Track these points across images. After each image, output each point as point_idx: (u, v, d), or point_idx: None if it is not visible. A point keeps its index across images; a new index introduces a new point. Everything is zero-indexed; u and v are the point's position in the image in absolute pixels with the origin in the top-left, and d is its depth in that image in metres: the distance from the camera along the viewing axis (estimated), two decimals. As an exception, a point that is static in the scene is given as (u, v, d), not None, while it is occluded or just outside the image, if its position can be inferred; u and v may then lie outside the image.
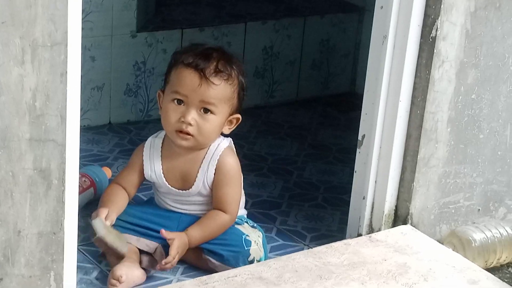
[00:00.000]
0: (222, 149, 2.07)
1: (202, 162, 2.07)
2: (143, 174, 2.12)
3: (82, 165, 2.10)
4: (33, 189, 1.64)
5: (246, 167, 2.56)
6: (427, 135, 2.15)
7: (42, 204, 1.65)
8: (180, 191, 2.09)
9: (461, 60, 2.13)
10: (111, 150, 2.70)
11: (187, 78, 2.01)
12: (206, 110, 2.01)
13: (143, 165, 2.11)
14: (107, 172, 2.43)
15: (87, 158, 2.59)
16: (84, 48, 2.63)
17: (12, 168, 1.61)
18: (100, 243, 2.00)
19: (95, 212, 2.03)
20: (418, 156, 2.16)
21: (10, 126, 1.58)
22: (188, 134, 2.02)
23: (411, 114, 2.15)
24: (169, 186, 2.09)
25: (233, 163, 2.08)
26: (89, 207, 2.33)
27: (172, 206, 2.12)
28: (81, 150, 1.72)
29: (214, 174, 2.06)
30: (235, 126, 2.09)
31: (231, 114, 2.06)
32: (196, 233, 2.05)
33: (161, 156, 2.10)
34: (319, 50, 3.21)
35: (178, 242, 2.00)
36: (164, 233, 2.00)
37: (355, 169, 2.22)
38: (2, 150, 1.59)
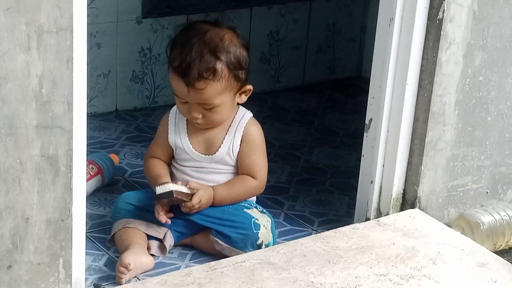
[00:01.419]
0: (247, 118, 2.12)
1: (228, 130, 2.10)
2: (170, 147, 2.15)
3: (89, 152, 2.10)
4: (41, 176, 1.64)
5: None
6: (435, 118, 2.14)
7: (50, 191, 1.65)
8: (204, 155, 2.10)
9: (468, 42, 2.12)
10: (118, 137, 2.70)
11: (177, 86, 2.05)
12: (207, 107, 2.04)
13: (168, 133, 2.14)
14: (114, 159, 2.43)
15: (94, 145, 2.59)
16: (89, 35, 2.63)
17: (19, 155, 1.60)
18: (169, 201, 2.02)
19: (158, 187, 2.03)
20: (426, 139, 2.15)
21: (17, 113, 1.58)
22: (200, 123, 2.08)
23: (419, 97, 2.14)
24: (193, 149, 2.10)
25: (259, 132, 2.13)
26: (96, 194, 2.33)
27: (190, 177, 2.11)
28: (88, 137, 1.72)
29: (241, 143, 2.09)
30: (249, 94, 2.11)
31: (238, 91, 2.07)
32: (223, 190, 2.08)
33: (186, 121, 2.12)
34: (325, 34, 3.20)
35: (203, 192, 2.04)
36: (190, 183, 2.04)
37: (362, 153, 2.21)
38: (10, 137, 1.59)
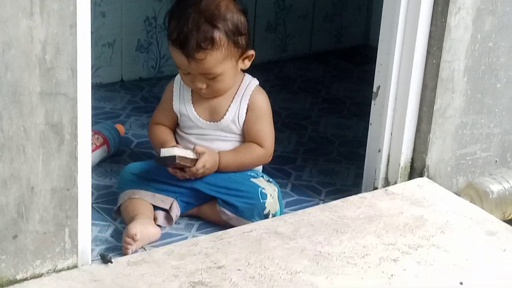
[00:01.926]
0: (253, 86, 2.10)
1: (234, 97, 2.09)
2: (175, 114, 2.13)
3: (94, 123, 2.08)
4: (45, 144, 1.62)
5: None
6: (444, 84, 2.11)
7: (55, 159, 1.63)
8: (209, 122, 2.09)
9: (478, 6, 2.08)
10: (124, 107, 2.68)
11: (178, 58, 2.03)
12: (210, 76, 2.02)
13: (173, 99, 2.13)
14: (120, 129, 2.41)
15: (99, 116, 2.57)
16: (94, 3, 2.60)
17: (23, 123, 1.58)
18: (172, 162, 2.01)
19: (163, 149, 2.03)
20: (434, 107, 2.13)
21: (20, 79, 1.56)
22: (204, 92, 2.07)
23: (427, 64, 2.11)
24: (198, 116, 2.09)
25: (265, 100, 2.12)
26: (102, 164, 2.32)
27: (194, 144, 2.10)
28: (93, 107, 1.70)
29: (247, 111, 2.08)
30: (253, 58, 2.09)
31: (240, 57, 2.05)
32: (229, 156, 2.07)
33: (191, 91, 2.11)
34: (332, 2, 3.17)
35: (208, 156, 2.04)
36: (196, 147, 2.03)
37: (370, 121, 2.19)
38: (13, 105, 1.56)
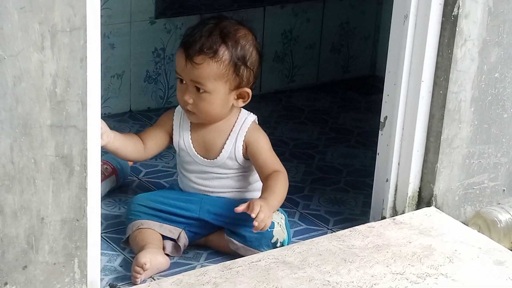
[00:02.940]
0: (249, 122, 2.10)
1: (230, 134, 2.08)
2: (168, 137, 2.13)
3: (103, 153, 2.09)
4: (56, 176, 1.63)
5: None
6: (450, 115, 2.13)
7: (65, 190, 1.65)
8: (206, 159, 2.09)
9: (484, 38, 2.10)
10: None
11: (178, 58, 2.05)
12: (199, 89, 2.02)
13: (172, 128, 2.12)
14: (129, 159, 2.43)
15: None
16: (103, 35, 2.63)
17: (34, 155, 1.60)
18: None
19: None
20: (442, 137, 2.14)
21: (31, 112, 1.58)
22: (190, 111, 2.05)
23: (434, 94, 2.13)
24: (196, 153, 2.09)
25: (261, 135, 2.11)
26: (111, 194, 2.33)
27: (196, 184, 2.11)
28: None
29: (245, 147, 2.08)
30: (248, 100, 2.08)
31: (235, 89, 2.04)
32: (271, 197, 2.01)
33: (190, 126, 2.11)
34: (339, 33, 3.19)
35: (259, 201, 1.96)
36: (253, 203, 1.95)
37: (377, 151, 2.20)
38: (24, 137, 1.58)
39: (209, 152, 2.09)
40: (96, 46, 1.63)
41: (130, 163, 2.43)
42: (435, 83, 2.12)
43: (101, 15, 1.64)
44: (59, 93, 1.60)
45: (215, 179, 2.11)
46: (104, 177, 2.29)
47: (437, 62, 2.10)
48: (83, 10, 1.57)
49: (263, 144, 2.09)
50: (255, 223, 1.94)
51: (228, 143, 2.08)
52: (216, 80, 2.01)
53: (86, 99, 1.63)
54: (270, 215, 1.97)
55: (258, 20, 2.99)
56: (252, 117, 2.11)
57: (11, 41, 1.52)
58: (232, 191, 2.12)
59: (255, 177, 2.13)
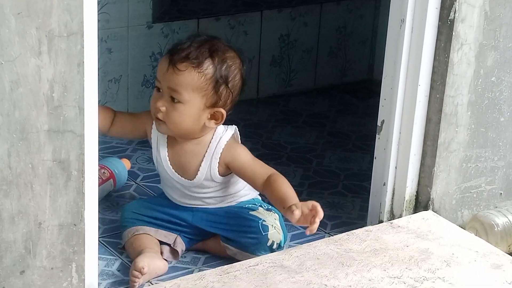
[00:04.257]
0: (224, 142, 2.05)
1: (204, 155, 2.05)
2: (137, 133, 2.13)
3: (101, 157, 2.09)
4: (53, 181, 1.64)
5: (265, 156, 2.55)
6: (447, 119, 2.13)
7: (62, 195, 1.65)
8: (183, 179, 2.07)
9: (480, 42, 2.10)
10: (130, 141, 2.70)
11: (160, 64, 2.02)
12: (174, 99, 1.99)
13: (149, 134, 2.10)
14: (126, 163, 2.43)
15: (106, 150, 2.59)
16: (100, 40, 2.63)
17: (31, 160, 1.60)
18: None
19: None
20: (439, 141, 2.14)
21: (29, 117, 1.58)
22: (160, 120, 2.02)
23: (431, 98, 2.13)
24: (174, 171, 2.06)
25: (238, 149, 2.06)
26: (109, 199, 2.33)
27: (179, 202, 2.11)
28: (100, 142, 1.72)
29: (224, 167, 2.04)
30: (220, 123, 2.04)
31: (210, 107, 2.00)
32: (293, 196, 1.99)
33: (166, 142, 2.09)
34: (336, 37, 3.19)
35: (309, 203, 1.96)
36: (294, 209, 1.93)
37: (374, 155, 2.20)
38: (21, 142, 1.59)
39: (185, 173, 2.07)
40: (93, 51, 1.63)
41: (128, 167, 2.43)
42: (431, 87, 2.12)
43: (98, 20, 1.64)
44: (56, 98, 1.60)
45: (197, 199, 2.09)
46: (102, 181, 2.29)
47: (433, 66, 2.11)
48: (80, 15, 1.58)
49: (243, 157, 2.05)
50: (313, 228, 1.92)
51: (203, 165, 2.05)
52: (194, 92, 1.98)
53: (84, 104, 1.64)
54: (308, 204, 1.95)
55: (255, 24, 2.99)
56: (228, 135, 2.06)
57: (8, 46, 1.53)
58: (217, 202, 2.11)
59: (239, 185, 2.11)
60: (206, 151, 2.05)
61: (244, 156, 2.05)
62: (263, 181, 2.03)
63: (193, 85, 1.98)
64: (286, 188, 2.01)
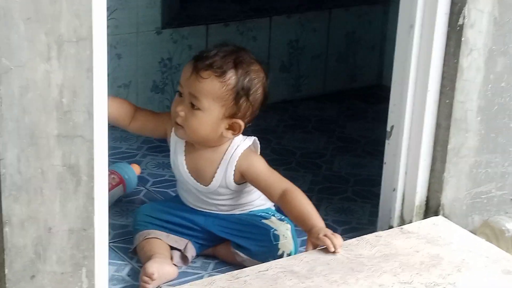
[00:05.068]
0: (241, 150, 2.05)
1: (220, 162, 2.05)
2: (156, 132, 2.14)
3: (110, 163, 2.09)
4: (63, 186, 1.64)
5: (275, 161, 2.55)
6: (457, 124, 2.12)
7: (72, 200, 1.65)
8: (199, 184, 2.07)
9: (490, 47, 2.10)
10: (140, 147, 2.70)
11: (185, 69, 2.03)
12: (193, 105, 1.99)
13: (168, 136, 2.10)
14: (136, 169, 2.43)
15: (115, 156, 2.59)
16: (110, 45, 2.63)
17: (41, 165, 1.60)
18: None
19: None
20: (448, 146, 2.13)
21: (38, 123, 1.58)
22: (178, 124, 2.02)
23: (440, 104, 2.12)
24: (190, 175, 2.07)
25: (254, 158, 2.06)
26: (119, 204, 2.33)
27: (196, 206, 2.11)
28: (109, 147, 1.72)
29: (239, 176, 2.04)
30: (238, 134, 2.04)
31: (228, 117, 2.01)
32: (316, 219, 2.00)
33: (184, 146, 2.09)
34: (345, 43, 3.19)
35: (318, 232, 1.96)
36: (322, 238, 1.95)
37: (384, 160, 2.20)
38: (31, 147, 1.59)
39: (201, 178, 2.07)
40: (103, 56, 1.63)
41: (138, 172, 2.43)
42: (441, 93, 2.12)
43: (107, 26, 1.65)
44: (65, 103, 1.60)
45: (211, 205, 2.10)
46: (111, 186, 2.29)
47: (443, 72, 2.10)
48: (89, 21, 1.58)
49: (259, 167, 2.05)
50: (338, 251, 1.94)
51: (219, 172, 2.05)
52: (214, 100, 1.98)
53: (93, 109, 1.64)
54: (329, 233, 1.96)
55: (264, 30, 3.00)
56: (245, 144, 2.06)
57: (17, 52, 1.53)
58: (231, 209, 2.11)
59: (254, 194, 2.11)
60: (222, 159, 2.05)
61: (260, 166, 2.05)
62: (279, 193, 2.02)
63: (214, 94, 1.98)
64: (305, 205, 2.01)
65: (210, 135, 2.02)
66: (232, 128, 2.03)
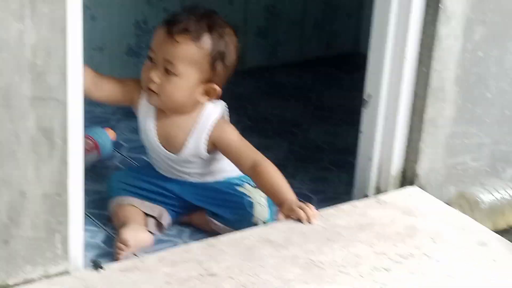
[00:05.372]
0: (213, 119, 2.01)
1: (191, 130, 2.01)
2: (123, 100, 2.06)
3: (85, 127, 2.05)
4: (37, 150, 1.60)
5: (250, 129, 2.53)
6: (434, 94, 2.11)
7: (46, 165, 1.62)
8: (169, 152, 2.04)
9: (468, 16, 2.08)
10: (114, 111, 2.66)
11: (157, 34, 1.98)
12: (168, 71, 1.95)
13: (136, 103, 2.05)
14: (110, 133, 2.39)
15: (90, 120, 2.54)
16: (84, 6, 2.58)
17: (15, 128, 1.57)
18: None
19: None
20: (425, 116, 2.12)
21: (11, 83, 1.54)
22: (152, 91, 1.97)
23: (418, 73, 2.11)
24: (160, 144, 2.03)
25: (226, 127, 2.03)
26: (93, 169, 2.29)
27: (168, 174, 2.08)
28: (85, 112, 1.68)
29: (211, 144, 2.01)
30: (213, 99, 2.01)
31: (204, 82, 1.98)
32: (287, 192, 1.96)
33: (155, 114, 2.04)
34: (323, 9, 3.16)
35: (291, 204, 1.93)
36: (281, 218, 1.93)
37: (360, 129, 2.18)
38: (4, 109, 1.55)
39: (172, 146, 2.03)
40: (78, 16, 1.59)
41: (112, 138, 2.39)
42: (419, 61, 2.10)
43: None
44: (39, 64, 1.56)
45: (182, 173, 2.06)
46: (86, 151, 2.25)
47: (421, 40, 2.08)
48: (65, -21, 1.54)
49: (231, 137, 2.01)
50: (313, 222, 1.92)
51: (191, 141, 2.01)
52: (190, 65, 1.95)
53: (67, 71, 1.60)
54: (302, 205, 1.93)
55: (241, -7, 2.96)
56: (217, 112, 2.03)
57: (-10, 11, 1.48)
58: (202, 177, 2.08)
59: (223, 162, 2.07)
60: (194, 127, 2.02)
61: (232, 135, 2.02)
62: (250, 164, 1.99)
63: (190, 58, 1.94)
64: (277, 178, 1.97)
65: (185, 101, 1.98)
66: (207, 93, 1.99)
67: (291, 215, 1.93)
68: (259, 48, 3.05)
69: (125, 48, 2.80)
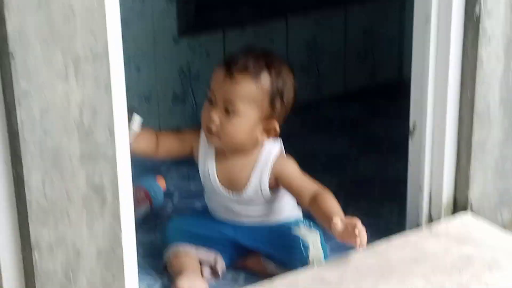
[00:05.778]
0: (274, 156, 2.03)
1: (254, 168, 2.03)
2: (183, 152, 2.10)
3: (135, 178, 2.08)
4: (88, 207, 1.63)
5: (299, 165, 2.53)
6: (480, 118, 2.09)
7: (99, 221, 1.64)
8: (231, 194, 2.05)
9: (508, 36, 2.06)
10: (164, 160, 2.68)
11: (216, 75, 2.00)
12: (228, 111, 1.97)
13: (195, 150, 2.08)
14: (161, 183, 2.40)
15: (139, 169, 2.57)
16: (127, 58, 2.63)
17: (66, 187, 1.60)
18: None
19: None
20: (473, 141, 2.10)
21: (60, 143, 1.57)
22: (213, 132, 1.99)
23: (462, 97, 2.09)
24: (221, 186, 2.05)
25: (288, 161, 2.05)
26: (146, 221, 2.31)
27: (225, 218, 2.09)
28: (133, 161, 1.70)
29: (273, 180, 2.02)
30: (272, 136, 2.03)
31: (264, 120, 2.00)
32: (338, 212, 1.96)
33: (215, 155, 2.07)
34: (363, 39, 3.16)
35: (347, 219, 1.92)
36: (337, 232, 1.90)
37: (409, 159, 2.17)
38: (55, 170, 1.58)
39: (234, 187, 2.04)
40: (120, 71, 1.62)
41: (163, 188, 2.41)
42: (461, 85, 2.08)
43: (123, 39, 1.63)
44: (86, 122, 1.59)
45: (241, 216, 2.07)
46: (138, 203, 2.27)
47: (462, 64, 2.06)
48: (104, 37, 1.56)
49: (292, 171, 2.03)
50: (360, 242, 1.88)
51: (254, 178, 2.02)
52: (250, 104, 1.96)
53: (114, 127, 1.63)
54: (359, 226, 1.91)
55: (281, 32, 2.98)
56: (276, 148, 2.05)
57: (35, 74, 1.52)
58: (261, 220, 2.08)
59: (283, 203, 2.09)
60: (256, 164, 2.03)
61: (293, 169, 2.04)
62: (310, 196, 2.00)
63: (250, 97, 1.96)
64: (330, 203, 1.98)
65: (246, 140, 2.00)
66: (267, 131, 2.01)
67: (348, 237, 1.89)
68: (302, 83, 3.06)
69: (171, 96, 2.83)
